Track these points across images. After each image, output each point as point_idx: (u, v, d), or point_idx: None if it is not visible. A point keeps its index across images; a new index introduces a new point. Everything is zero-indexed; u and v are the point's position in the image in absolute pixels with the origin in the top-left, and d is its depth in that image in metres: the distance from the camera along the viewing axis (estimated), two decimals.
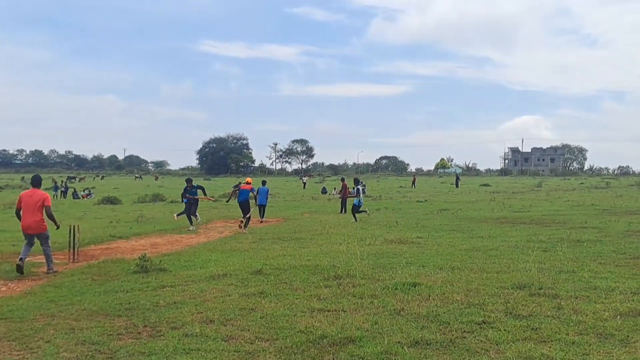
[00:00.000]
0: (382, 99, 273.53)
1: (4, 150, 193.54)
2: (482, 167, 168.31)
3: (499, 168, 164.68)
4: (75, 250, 12.85)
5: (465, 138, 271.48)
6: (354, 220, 22.37)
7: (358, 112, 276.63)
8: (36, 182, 11.87)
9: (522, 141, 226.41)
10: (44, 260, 12.40)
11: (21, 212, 11.48)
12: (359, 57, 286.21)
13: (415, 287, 8.84)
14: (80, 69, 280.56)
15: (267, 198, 25.28)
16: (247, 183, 22.67)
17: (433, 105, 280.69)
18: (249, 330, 6.74)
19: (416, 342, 6.16)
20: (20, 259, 11.32)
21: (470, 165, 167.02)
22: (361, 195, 23.39)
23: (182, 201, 23.46)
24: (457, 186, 63.67)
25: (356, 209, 22.88)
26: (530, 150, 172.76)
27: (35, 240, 11.62)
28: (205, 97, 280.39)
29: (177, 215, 22.13)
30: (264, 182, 26.03)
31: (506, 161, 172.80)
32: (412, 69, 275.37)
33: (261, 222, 23.37)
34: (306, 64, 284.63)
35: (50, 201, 11.70)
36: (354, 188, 24.34)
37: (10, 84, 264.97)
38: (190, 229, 19.82)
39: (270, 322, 7.04)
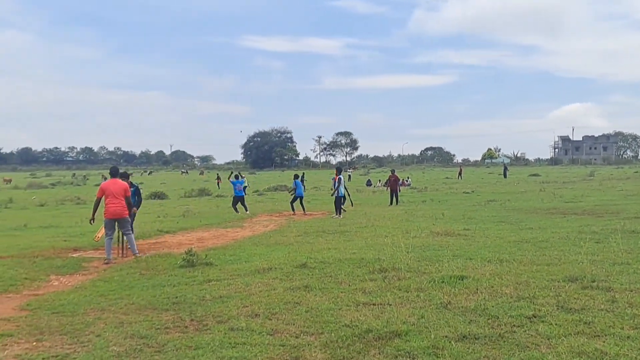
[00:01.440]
0: (426, 89, 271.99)
1: (56, 148, 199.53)
2: (531, 157, 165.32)
3: (548, 157, 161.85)
4: (124, 245, 13.05)
5: (513, 127, 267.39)
6: (336, 215, 21.93)
7: (402, 103, 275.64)
8: (115, 172, 13.08)
9: (573, 129, 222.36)
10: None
11: (106, 200, 12.53)
12: (401, 49, 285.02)
13: (462, 280, 8.67)
14: (126, 66, 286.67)
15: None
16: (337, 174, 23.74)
17: (479, 94, 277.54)
18: (294, 324, 6.69)
19: (464, 337, 6.02)
20: (108, 260, 12.12)
21: (518, 155, 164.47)
22: (343, 187, 22.68)
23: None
24: (505, 176, 62.79)
25: (340, 202, 22.35)
26: (581, 139, 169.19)
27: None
28: (248, 92, 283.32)
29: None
30: (296, 176, 26.21)
31: (556, 150, 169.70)
32: (456, 58, 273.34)
33: (305, 214, 23.54)
34: (348, 56, 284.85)
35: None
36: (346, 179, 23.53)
37: (60, 82, 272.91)
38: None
39: (315, 316, 6.99)
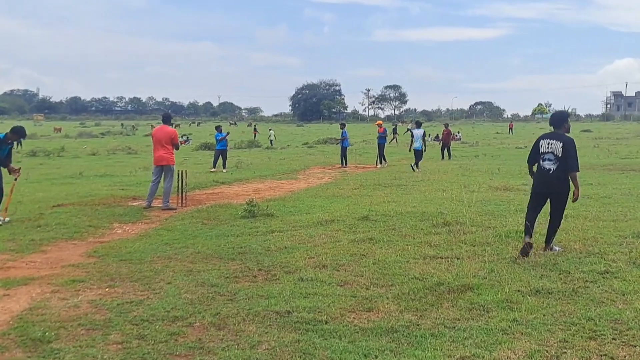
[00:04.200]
0: (478, 43, 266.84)
1: (105, 98, 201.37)
2: (582, 113, 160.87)
3: (599, 113, 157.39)
4: (184, 194, 13.13)
5: (565, 82, 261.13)
6: (416, 169, 20.91)
7: (453, 56, 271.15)
8: (166, 119, 13.54)
9: (626, 85, 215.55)
10: (156, 205, 12.70)
11: (153, 147, 12.77)
12: (454, 1, 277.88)
13: None
14: (177, 16, 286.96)
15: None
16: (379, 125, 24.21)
17: (531, 48, 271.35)
18: (363, 276, 6.73)
19: (537, 291, 6.00)
20: (148, 204, 12.53)
21: (569, 111, 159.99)
22: (422, 140, 21.76)
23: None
24: None
25: (420, 156, 21.49)
26: (634, 95, 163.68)
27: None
28: (298, 43, 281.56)
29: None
30: (342, 125, 26.06)
31: (608, 106, 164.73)
32: (510, 11, 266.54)
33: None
34: (400, 8, 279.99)
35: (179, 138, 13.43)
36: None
37: (110, 31, 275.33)
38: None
39: (383, 269, 7.01)
